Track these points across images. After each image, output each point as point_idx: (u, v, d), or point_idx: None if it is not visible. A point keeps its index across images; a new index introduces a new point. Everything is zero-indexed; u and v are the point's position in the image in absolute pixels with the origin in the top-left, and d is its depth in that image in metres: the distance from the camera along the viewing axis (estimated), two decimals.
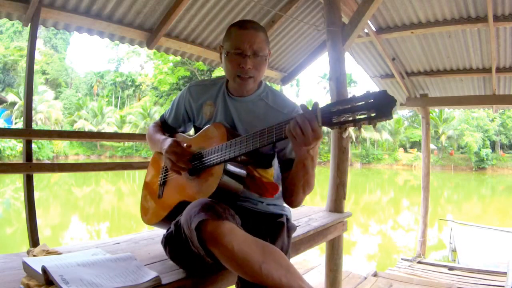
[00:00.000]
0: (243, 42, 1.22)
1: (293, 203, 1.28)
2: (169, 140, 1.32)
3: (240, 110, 1.33)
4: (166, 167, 1.42)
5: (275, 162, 1.31)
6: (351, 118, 0.90)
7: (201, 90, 1.42)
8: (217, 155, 1.19)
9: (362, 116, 0.88)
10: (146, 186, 1.54)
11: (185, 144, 1.31)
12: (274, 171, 1.31)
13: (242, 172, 1.21)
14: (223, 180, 1.16)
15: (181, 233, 1.12)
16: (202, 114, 1.40)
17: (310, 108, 1.00)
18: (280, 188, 1.31)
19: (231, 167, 1.18)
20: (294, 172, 1.18)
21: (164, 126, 1.56)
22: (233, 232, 1.03)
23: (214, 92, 1.38)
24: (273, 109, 1.32)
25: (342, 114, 0.91)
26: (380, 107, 0.87)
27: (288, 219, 1.39)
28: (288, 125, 1.00)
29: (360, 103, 0.89)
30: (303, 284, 1.02)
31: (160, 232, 1.60)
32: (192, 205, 1.10)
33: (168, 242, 1.22)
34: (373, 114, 0.87)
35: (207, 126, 1.34)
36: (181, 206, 1.23)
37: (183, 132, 1.55)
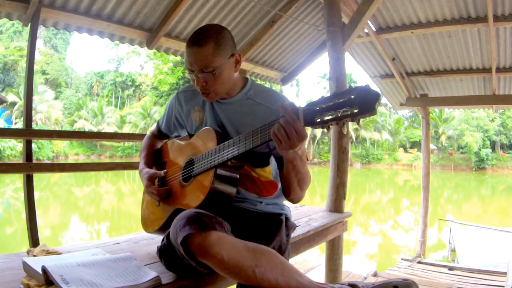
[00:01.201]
0: (189, 61, 1.20)
1: (293, 200, 1.27)
2: (145, 177, 1.39)
3: (228, 112, 1.31)
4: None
5: (272, 159, 1.30)
6: (334, 116, 0.87)
7: (188, 96, 1.41)
8: (206, 161, 1.19)
9: (345, 113, 0.85)
10: (145, 194, 1.54)
11: (163, 171, 1.38)
12: (272, 169, 1.30)
13: (235, 175, 1.20)
14: (214, 185, 1.15)
15: (173, 246, 1.12)
16: (192, 120, 1.39)
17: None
18: (279, 186, 1.31)
19: (222, 172, 1.17)
20: (286, 172, 1.17)
21: (159, 132, 1.58)
22: (221, 241, 1.02)
23: (201, 97, 1.35)
24: (262, 106, 1.28)
25: (324, 113, 0.89)
26: (363, 103, 0.83)
27: (287, 218, 1.39)
28: (272, 128, 0.98)
29: (342, 100, 0.86)
30: (300, 278, 1.02)
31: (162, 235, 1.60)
32: (178, 218, 1.10)
33: (162, 254, 1.22)
34: (356, 110, 0.84)
35: (198, 132, 1.33)
36: (177, 213, 1.22)
37: (178, 136, 1.55)
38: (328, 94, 0.91)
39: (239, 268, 1.00)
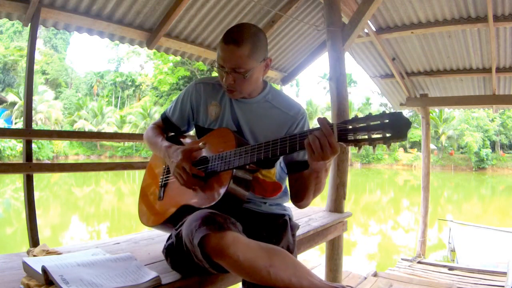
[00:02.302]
0: (222, 57, 1.20)
1: (302, 206, 1.29)
2: (177, 152, 1.23)
3: (246, 112, 1.33)
4: (168, 168, 1.40)
5: (278, 163, 1.31)
6: (366, 137, 0.91)
7: (208, 89, 1.40)
8: (225, 161, 1.18)
9: (378, 136, 0.90)
10: (146, 186, 1.51)
11: (201, 143, 1.24)
12: (276, 171, 1.31)
13: (249, 178, 1.20)
14: (231, 186, 1.15)
15: (183, 245, 1.11)
16: (207, 114, 1.38)
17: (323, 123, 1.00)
18: (283, 187, 1.31)
19: (239, 174, 1.18)
20: (307, 180, 1.19)
21: (167, 125, 1.49)
22: (237, 242, 1.02)
23: (220, 92, 1.37)
24: (279, 110, 1.32)
25: (357, 132, 0.93)
26: (395, 128, 0.88)
27: (290, 218, 1.40)
28: (307, 139, 1.01)
29: (376, 123, 0.91)
30: (312, 279, 1.03)
31: (161, 232, 1.60)
32: (192, 218, 1.09)
33: (169, 253, 1.21)
34: (388, 135, 0.89)
35: (213, 131, 1.33)
36: (184, 210, 1.22)
37: (185, 131, 1.51)
38: (362, 115, 0.95)
39: (254, 268, 1.01)
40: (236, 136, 1.24)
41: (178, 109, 1.44)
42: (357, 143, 0.93)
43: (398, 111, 0.93)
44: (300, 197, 1.26)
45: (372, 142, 0.90)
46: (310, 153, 1.01)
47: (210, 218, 1.06)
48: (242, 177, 1.18)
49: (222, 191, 1.15)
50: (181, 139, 1.50)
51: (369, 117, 0.92)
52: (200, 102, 1.40)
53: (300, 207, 1.30)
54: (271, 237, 1.22)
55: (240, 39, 1.18)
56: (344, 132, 0.95)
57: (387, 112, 0.90)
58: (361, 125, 0.92)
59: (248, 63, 1.19)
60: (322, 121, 1.00)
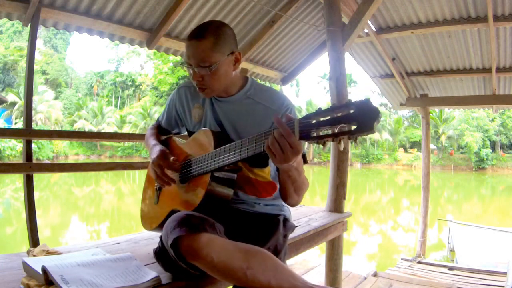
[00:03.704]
0: (187, 54, 1.20)
1: (290, 204, 1.27)
2: (156, 150, 1.30)
3: (227, 111, 1.30)
4: None
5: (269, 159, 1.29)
6: (330, 132, 0.81)
7: (189, 92, 1.39)
8: (203, 165, 1.18)
9: (342, 130, 0.79)
10: (145, 190, 1.53)
11: (172, 158, 1.28)
12: (271, 169, 1.28)
13: (231, 178, 1.18)
14: (210, 188, 1.14)
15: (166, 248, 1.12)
16: (191, 117, 1.38)
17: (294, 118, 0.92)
18: (278, 187, 1.30)
19: (219, 174, 1.16)
20: (282, 181, 1.15)
21: (159, 128, 1.54)
22: (211, 244, 1.01)
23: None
24: (261, 105, 1.27)
25: (321, 127, 0.82)
26: (361, 119, 0.76)
27: (286, 219, 1.37)
28: (266, 141, 0.93)
29: (340, 114, 0.79)
30: (294, 281, 1.01)
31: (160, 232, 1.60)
32: (169, 220, 1.09)
33: (158, 257, 1.22)
34: (353, 127, 0.77)
35: (196, 133, 1.32)
36: (173, 214, 1.21)
37: (178, 133, 1.53)
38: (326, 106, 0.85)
39: (229, 270, 1.00)
40: (215, 136, 1.21)
41: (166, 115, 1.49)
42: (320, 139, 0.82)
43: (366, 98, 0.82)
44: (284, 196, 1.22)
45: (335, 137, 0.79)
46: (271, 157, 0.92)
47: (185, 219, 1.05)
48: (222, 177, 1.17)
49: (201, 194, 1.15)
50: (172, 141, 1.50)
51: (334, 107, 0.81)
52: (185, 106, 1.40)
53: (290, 205, 1.27)
54: (260, 236, 1.20)
55: (201, 33, 1.17)
56: (307, 129, 0.84)
57: (353, 100, 0.79)
58: (326, 118, 0.81)
59: (212, 56, 1.16)
60: (278, 120, 0.89)
